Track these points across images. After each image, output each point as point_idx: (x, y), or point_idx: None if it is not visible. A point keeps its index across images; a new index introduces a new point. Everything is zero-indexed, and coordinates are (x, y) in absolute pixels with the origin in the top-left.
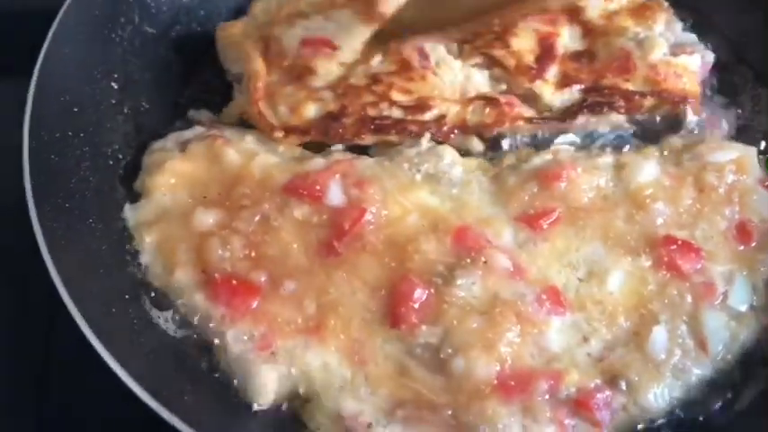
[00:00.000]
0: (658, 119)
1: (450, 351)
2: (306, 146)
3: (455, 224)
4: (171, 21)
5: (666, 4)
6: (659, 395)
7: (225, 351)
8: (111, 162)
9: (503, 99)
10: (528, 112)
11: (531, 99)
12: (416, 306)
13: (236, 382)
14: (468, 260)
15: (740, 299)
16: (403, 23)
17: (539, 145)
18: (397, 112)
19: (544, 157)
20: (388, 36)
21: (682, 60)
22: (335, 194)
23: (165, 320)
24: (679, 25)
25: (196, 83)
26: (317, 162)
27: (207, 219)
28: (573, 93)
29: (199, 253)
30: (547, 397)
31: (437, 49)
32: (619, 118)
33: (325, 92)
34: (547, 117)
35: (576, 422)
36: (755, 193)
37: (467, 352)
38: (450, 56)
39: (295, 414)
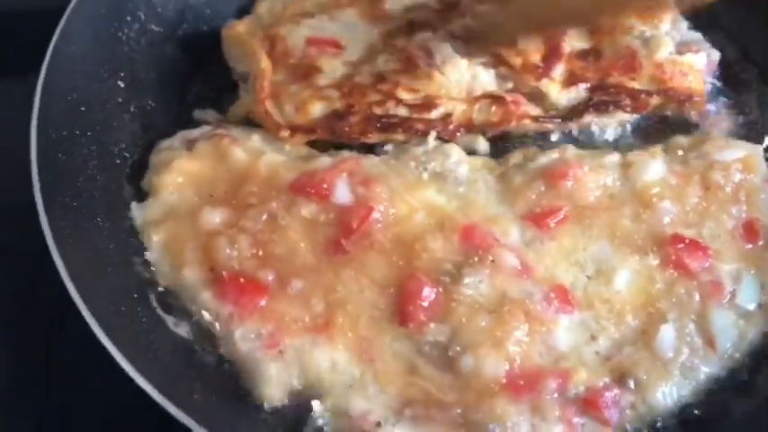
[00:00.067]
0: (665, 117)
1: (458, 349)
2: (312, 145)
3: (462, 223)
4: (177, 20)
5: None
6: (667, 393)
7: (233, 349)
8: (118, 161)
9: (509, 97)
10: (534, 110)
11: (537, 98)
12: (425, 304)
13: (244, 380)
14: (476, 258)
15: (748, 297)
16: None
17: (545, 144)
18: (403, 111)
19: (550, 155)
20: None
21: (687, 59)
22: (342, 193)
23: (172, 319)
24: (685, 24)
25: (202, 81)
26: (324, 160)
27: (214, 217)
28: (579, 91)
29: (206, 251)
30: (555, 395)
31: (443, 48)
32: (624, 116)
33: (330, 90)
34: (553, 116)
35: (585, 421)
36: (762, 192)
37: (475, 350)
38: (456, 54)
39: (303, 412)
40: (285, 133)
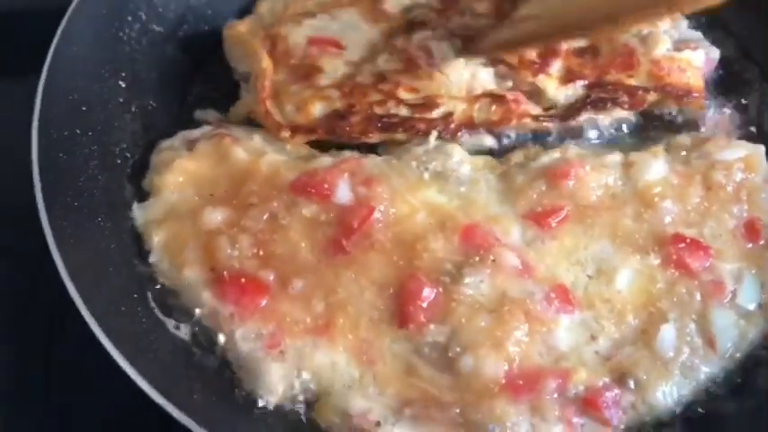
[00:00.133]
0: (667, 117)
1: (458, 350)
2: (313, 145)
3: (463, 222)
4: (178, 20)
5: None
6: (668, 393)
7: (233, 350)
8: (119, 161)
9: (509, 96)
10: (534, 109)
11: (536, 95)
12: (424, 305)
13: (244, 380)
14: (477, 258)
15: (749, 297)
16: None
17: (546, 143)
18: (404, 111)
19: (552, 155)
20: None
21: (685, 55)
22: (343, 193)
23: (173, 319)
24: (684, 23)
25: (203, 81)
26: (325, 160)
27: (215, 217)
28: (576, 88)
29: (207, 251)
30: (555, 395)
31: (441, 47)
32: (622, 114)
33: (331, 90)
34: (552, 114)
35: (585, 421)
36: (764, 192)
37: (475, 350)
38: (453, 53)
39: (303, 412)
40: (286, 133)
